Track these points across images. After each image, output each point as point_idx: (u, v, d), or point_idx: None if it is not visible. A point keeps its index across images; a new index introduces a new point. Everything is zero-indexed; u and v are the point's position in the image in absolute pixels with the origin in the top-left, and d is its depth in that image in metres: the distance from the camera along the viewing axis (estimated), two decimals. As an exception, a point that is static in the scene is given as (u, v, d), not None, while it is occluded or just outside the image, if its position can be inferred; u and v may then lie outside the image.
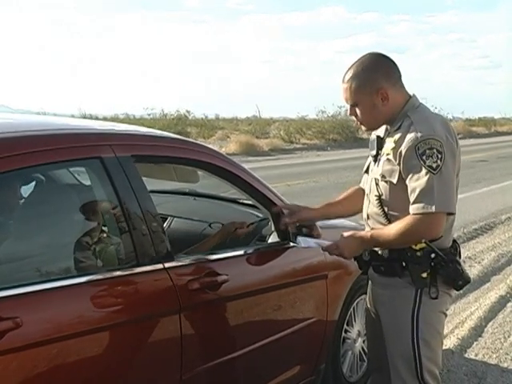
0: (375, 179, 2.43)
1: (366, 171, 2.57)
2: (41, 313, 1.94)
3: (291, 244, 2.87)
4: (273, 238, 2.93)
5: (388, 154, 2.35)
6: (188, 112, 29.22)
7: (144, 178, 2.42)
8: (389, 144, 2.37)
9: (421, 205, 2.23)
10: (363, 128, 2.52)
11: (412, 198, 2.25)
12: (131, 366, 2.22)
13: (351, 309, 3.36)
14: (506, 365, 4.01)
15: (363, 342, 3.39)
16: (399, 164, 2.30)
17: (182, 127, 24.59)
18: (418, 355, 2.37)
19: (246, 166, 2.96)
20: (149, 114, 28.07)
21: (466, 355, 4.16)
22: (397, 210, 2.35)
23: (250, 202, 3.17)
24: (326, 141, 25.92)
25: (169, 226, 3.48)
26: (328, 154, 21.05)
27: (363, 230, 2.57)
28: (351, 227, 3.32)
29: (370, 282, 2.63)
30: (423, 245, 2.31)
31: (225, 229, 3.02)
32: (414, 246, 2.32)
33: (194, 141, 2.94)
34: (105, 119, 22.38)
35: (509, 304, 5.28)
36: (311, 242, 2.76)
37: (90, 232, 2.32)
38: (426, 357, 2.38)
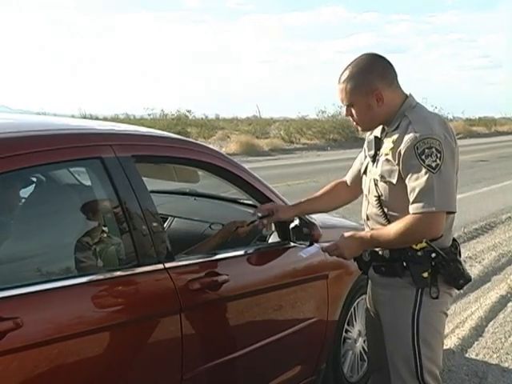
0: (374, 180, 2.43)
1: (365, 172, 2.56)
2: (41, 313, 1.94)
3: (292, 244, 2.87)
4: (273, 238, 2.93)
5: (387, 155, 2.35)
6: (189, 112, 29.22)
7: (144, 178, 2.41)
8: (387, 144, 2.36)
9: (421, 204, 2.22)
10: (359, 128, 2.52)
11: (412, 198, 2.25)
12: (132, 366, 2.22)
13: (352, 309, 3.36)
14: (506, 364, 4.01)
15: (364, 341, 3.39)
16: (398, 164, 2.29)
17: (182, 127, 24.57)
18: (418, 355, 2.36)
19: (246, 166, 2.96)
20: (149, 114, 28.08)
21: (467, 355, 4.16)
22: (397, 210, 2.35)
23: (250, 202, 3.16)
24: (326, 141, 25.92)
25: (169, 226, 3.47)
26: (328, 154, 21.05)
27: (363, 230, 2.57)
28: (351, 227, 3.32)
29: (369, 282, 2.63)
30: (424, 244, 2.30)
31: (225, 228, 3.01)
32: (414, 246, 2.32)
33: (194, 141, 2.94)
34: (105, 119, 22.37)
35: (509, 304, 5.28)
36: (312, 250, 2.77)
37: (91, 232, 2.32)
38: (427, 357, 2.37)
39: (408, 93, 2.44)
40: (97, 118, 21.69)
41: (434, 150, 2.22)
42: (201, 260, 2.55)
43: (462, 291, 5.30)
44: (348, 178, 2.78)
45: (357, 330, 3.41)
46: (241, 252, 2.75)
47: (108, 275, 2.20)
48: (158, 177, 3.19)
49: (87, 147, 2.26)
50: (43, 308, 1.96)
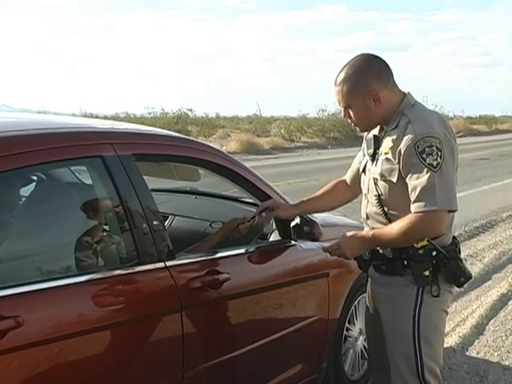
0: (374, 179, 2.43)
1: (364, 171, 2.56)
2: (42, 312, 1.94)
3: (292, 242, 2.87)
4: (274, 237, 2.93)
5: (386, 153, 2.34)
6: (190, 110, 29.18)
7: (145, 177, 2.41)
8: (387, 143, 2.36)
9: (422, 203, 2.22)
10: (358, 129, 2.52)
11: (413, 197, 2.25)
12: (133, 364, 2.22)
13: (353, 307, 3.36)
14: (507, 363, 4.01)
15: (365, 340, 3.39)
16: (398, 163, 2.29)
17: (182, 126, 24.55)
18: (418, 353, 2.36)
19: (246, 164, 2.96)
20: (149, 113, 28.06)
21: (468, 353, 4.16)
22: (397, 209, 2.35)
23: (251, 201, 3.16)
24: (326, 139, 25.91)
25: (170, 225, 3.47)
26: (329, 153, 21.04)
27: (364, 229, 2.56)
28: (352, 225, 3.32)
29: (369, 280, 2.63)
30: (425, 242, 2.30)
31: (226, 226, 3.01)
32: (415, 244, 2.32)
33: (194, 139, 2.94)
34: (105, 118, 22.37)
35: (510, 302, 5.28)
36: (313, 245, 2.77)
37: (92, 231, 2.32)
38: (427, 355, 2.37)
39: (406, 91, 2.44)
40: (97, 117, 21.67)
41: (434, 148, 2.21)
42: (202, 258, 2.54)
43: (462, 289, 5.31)
44: (347, 177, 2.78)
45: (358, 329, 3.41)
46: (242, 250, 2.75)
47: (109, 274, 2.20)
48: (159, 175, 3.19)
49: (88, 146, 2.25)
50: (44, 307, 1.96)
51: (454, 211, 2.31)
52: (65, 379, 1.98)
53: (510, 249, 7.15)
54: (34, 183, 2.42)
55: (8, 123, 2.42)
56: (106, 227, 2.39)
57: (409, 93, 2.43)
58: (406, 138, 2.26)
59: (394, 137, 2.32)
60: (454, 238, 2.45)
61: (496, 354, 4.14)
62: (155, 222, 2.34)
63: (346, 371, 3.37)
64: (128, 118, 26.34)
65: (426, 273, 2.33)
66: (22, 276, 2.02)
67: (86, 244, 2.27)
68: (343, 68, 2.40)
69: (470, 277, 2.43)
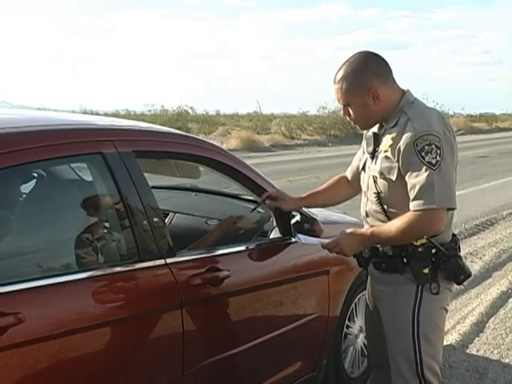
0: (373, 176, 2.42)
1: (363, 168, 2.56)
2: (43, 308, 1.94)
3: (293, 239, 2.87)
4: (274, 234, 2.93)
5: (386, 151, 2.34)
6: (191, 108, 29.16)
7: (145, 174, 2.41)
8: (386, 141, 2.35)
9: (421, 201, 2.22)
10: (358, 127, 2.51)
11: (412, 195, 2.24)
12: (133, 361, 2.22)
13: (353, 304, 3.36)
14: (507, 360, 4.01)
15: (365, 337, 3.39)
16: (398, 161, 2.29)
17: (182, 123, 24.56)
18: (418, 351, 2.36)
19: (247, 161, 2.96)
20: (149, 111, 28.06)
21: (468, 351, 4.16)
22: (396, 207, 2.34)
23: (251, 198, 3.16)
24: (327, 136, 25.91)
25: (170, 222, 3.47)
26: (329, 150, 21.04)
27: (363, 226, 2.56)
28: (353, 223, 3.32)
29: (369, 278, 2.62)
30: (424, 240, 2.30)
31: (222, 224, 3.01)
32: (414, 242, 2.31)
33: (195, 136, 2.94)
34: (106, 115, 22.37)
35: (510, 300, 5.28)
36: (312, 240, 2.76)
37: (92, 228, 2.32)
38: (427, 353, 2.37)
39: (406, 88, 2.43)
40: (97, 114, 21.68)
41: (433, 146, 2.21)
42: (202, 256, 2.54)
43: (462, 287, 5.31)
44: (348, 174, 2.78)
45: (358, 326, 3.41)
46: (242, 248, 2.75)
47: (109, 271, 2.20)
48: (160, 172, 3.18)
49: (88, 142, 2.25)
50: (45, 303, 1.96)
51: (453, 209, 2.31)
52: (65, 376, 1.98)
53: (511, 247, 7.15)
54: (35, 180, 2.42)
55: (8, 120, 2.42)
56: (107, 224, 2.39)
57: (408, 90, 2.43)
58: (405, 136, 2.26)
59: (394, 135, 2.31)
60: (453, 235, 2.45)
61: (496, 351, 4.15)
62: (155, 219, 2.34)
63: (345, 369, 3.37)
64: (128, 115, 26.35)
65: (426, 270, 2.32)
66: (22, 273, 2.02)
67: (87, 241, 2.27)
68: (342, 66, 2.39)
69: (470, 274, 2.42)
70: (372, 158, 2.46)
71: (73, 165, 2.48)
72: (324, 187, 2.83)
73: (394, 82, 2.41)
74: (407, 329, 2.37)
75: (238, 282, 2.59)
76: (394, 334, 2.43)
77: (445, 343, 4.08)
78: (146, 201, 2.31)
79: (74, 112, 17.38)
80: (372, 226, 2.45)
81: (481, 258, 6.57)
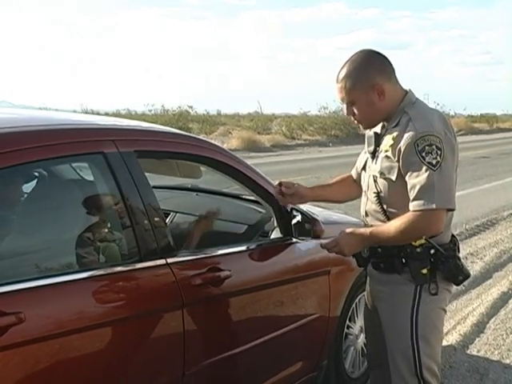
0: (373, 176, 2.42)
1: (364, 168, 2.56)
2: (44, 308, 1.94)
3: (294, 240, 2.87)
4: (275, 234, 2.93)
5: (386, 151, 2.33)
6: (190, 107, 29.14)
7: (147, 174, 2.41)
8: (387, 141, 2.35)
9: (421, 201, 2.22)
10: (361, 127, 2.49)
11: (412, 195, 2.24)
12: (134, 361, 2.22)
13: (353, 305, 3.36)
14: (508, 361, 4.01)
15: (365, 337, 3.39)
16: (398, 161, 2.28)
17: (183, 123, 24.55)
18: (416, 352, 2.36)
19: (247, 161, 2.95)
20: (150, 110, 28.05)
21: (468, 351, 4.16)
22: (396, 207, 2.34)
23: (252, 198, 3.16)
24: (327, 137, 25.89)
25: (171, 222, 3.47)
26: (330, 150, 21.04)
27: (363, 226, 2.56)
28: (354, 223, 3.32)
29: (368, 278, 2.62)
30: (423, 241, 2.30)
31: (201, 220, 3.03)
32: (413, 243, 2.31)
33: (196, 136, 2.94)
34: (107, 115, 22.36)
35: (511, 300, 5.28)
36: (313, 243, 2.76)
37: (93, 227, 2.32)
38: (425, 353, 2.37)
39: (407, 88, 2.43)
40: (98, 114, 21.67)
41: (434, 147, 2.21)
42: (203, 255, 2.55)
43: (463, 288, 5.31)
44: (353, 173, 2.77)
45: (358, 326, 3.40)
46: (243, 248, 2.75)
47: (110, 270, 2.20)
48: (161, 172, 3.18)
49: (89, 142, 2.25)
50: (46, 303, 1.96)
51: (452, 210, 2.30)
52: (66, 376, 1.98)
53: (511, 247, 7.15)
54: (36, 180, 2.42)
55: (9, 119, 2.42)
56: (108, 224, 2.39)
57: (410, 90, 2.42)
58: (406, 136, 2.26)
59: (395, 134, 2.31)
60: (453, 236, 2.45)
61: (496, 352, 4.15)
62: (156, 219, 2.34)
63: (346, 369, 3.37)
64: (129, 115, 26.34)
65: (424, 271, 2.32)
66: (23, 272, 2.02)
67: (88, 240, 2.28)
68: (344, 64, 2.38)
69: (469, 275, 2.42)
70: (373, 157, 2.46)
71: (74, 164, 2.49)
72: (332, 182, 2.80)
73: (397, 80, 2.40)
74: (405, 329, 2.36)
75: (239, 282, 2.59)
76: (393, 335, 2.42)
77: (445, 344, 4.09)
78: (147, 201, 2.31)
79: (75, 112, 17.39)
80: (372, 225, 2.45)
81: (481, 259, 6.57)
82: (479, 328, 4.58)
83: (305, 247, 2.95)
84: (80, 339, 1.99)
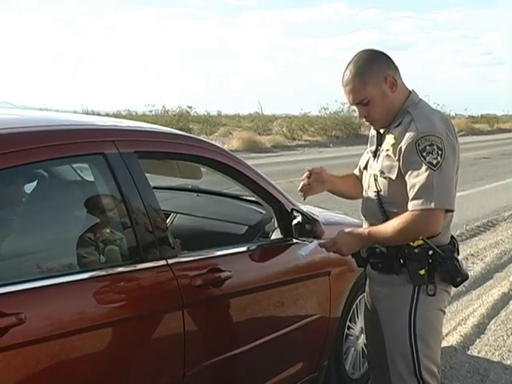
0: (374, 175, 2.43)
1: (365, 167, 2.56)
2: (44, 309, 1.94)
3: (294, 240, 2.87)
4: (276, 235, 2.93)
5: (388, 150, 2.33)
6: (190, 108, 29.12)
7: (147, 174, 2.41)
8: (389, 140, 2.35)
9: (420, 201, 2.22)
10: (375, 126, 2.44)
11: (411, 195, 2.24)
12: (134, 362, 2.22)
13: (354, 305, 3.36)
14: (508, 362, 4.01)
15: (366, 338, 3.39)
16: (399, 160, 2.29)
17: (183, 124, 24.55)
18: (415, 353, 2.36)
19: (248, 162, 2.95)
20: (150, 111, 28.05)
21: (469, 352, 4.16)
22: (395, 207, 2.34)
23: (252, 199, 3.16)
24: (328, 137, 25.89)
25: (172, 223, 3.48)
26: (330, 151, 21.03)
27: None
28: (354, 224, 3.31)
29: (368, 279, 2.62)
30: (421, 242, 2.29)
31: None
32: (411, 243, 2.31)
33: (197, 137, 2.94)
34: (107, 116, 22.36)
35: (511, 301, 5.27)
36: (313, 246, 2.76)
37: (94, 228, 2.32)
38: (424, 354, 2.37)
39: (411, 89, 2.43)
40: (99, 114, 21.68)
41: (435, 147, 2.21)
42: (203, 256, 2.54)
43: (463, 289, 5.31)
44: (356, 173, 2.75)
45: (359, 327, 3.40)
46: (244, 248, 2.75)
47: (111, 271, 2.20)
48: (161, 173, 3.18)
49: (90, 143, 2.25)
50: (46, 304, 1.96)
51: (451, 211, 2.30)
52: (67, 376, 1.98)
53: (512, 248, 7.15)
54: (37, 180, 2.42)
55: (10, 120, 2.42)
56: (108, 225, 2.39)
57: (413, 91, 2.42)
58: (407, 136, 2.26)
59: (396, 134, 2.31)
60: (452, 237, 2.45)
61: (497, 353, 4.14)
62: (157, 220, 2.34)
63: (347, 370, 3.37)
64: (130, 116, 26.35)
65: (422, 272, 2.32)
66: (24, 273, 2.02)
67: (88, 241, 2.28)
68: (348, 66, 2.35)
69: (467, 277, 2.41)
70: (374, 156, 2.46)
71: (74, 165, 2.49)
72: (342, 175, 2.75)
73: (401, 79, 2.40)
74: (404, 330, 2.36)
75: (240, 283, 2.59)
76: (392, 335, 2.42)
77: (446, 344, 4.09)
78: (147, 201, 2.31)
79: (75, 112, 17.40)
80: (371, 224, 2.44)
81: (482, 260, 6.56)
82: (480, 329, 4.58)
83: (305, 248, 2.95)
84: (80, 340, 1.99)
